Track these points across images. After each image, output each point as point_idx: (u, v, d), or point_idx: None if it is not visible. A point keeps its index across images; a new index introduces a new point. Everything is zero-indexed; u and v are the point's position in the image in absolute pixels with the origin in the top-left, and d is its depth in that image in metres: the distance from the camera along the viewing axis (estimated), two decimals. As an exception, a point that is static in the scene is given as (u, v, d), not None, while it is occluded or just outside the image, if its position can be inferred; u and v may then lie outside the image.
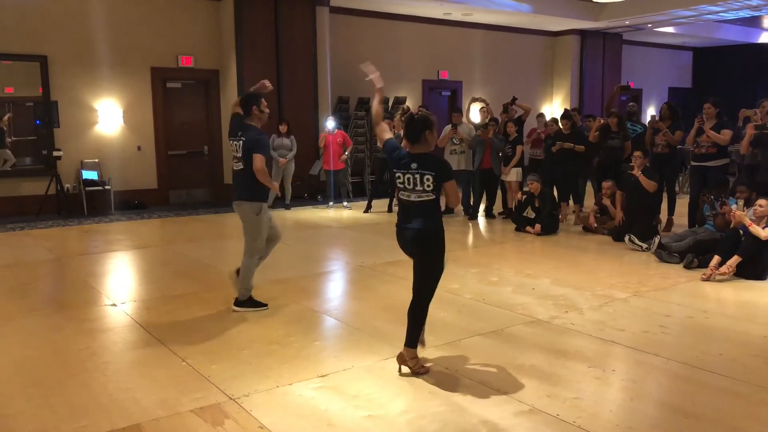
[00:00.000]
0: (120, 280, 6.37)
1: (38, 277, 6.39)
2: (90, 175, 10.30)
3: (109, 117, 10.55)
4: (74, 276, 6.31)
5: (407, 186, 3.66)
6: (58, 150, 9.88)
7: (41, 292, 5.89)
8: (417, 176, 3.61)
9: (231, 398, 3.40)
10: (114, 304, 5.23)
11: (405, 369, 3.72)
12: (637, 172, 7.50)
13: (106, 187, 10.31)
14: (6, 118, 9.88)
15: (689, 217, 7.80)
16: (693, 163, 7.84)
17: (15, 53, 9.73)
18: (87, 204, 10.11)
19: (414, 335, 3.71)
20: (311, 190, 11.83)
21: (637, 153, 7.64)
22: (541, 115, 11.90)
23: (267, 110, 5.06)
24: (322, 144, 10.62)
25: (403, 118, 4.40)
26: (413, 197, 3.66)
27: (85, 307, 5.16)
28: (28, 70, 9.91)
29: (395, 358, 3.75)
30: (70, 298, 5.51)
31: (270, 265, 6.55)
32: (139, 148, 10.92)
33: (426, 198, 3.64)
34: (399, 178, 3.70)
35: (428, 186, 3.61)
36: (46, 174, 9.86)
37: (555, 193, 8.84)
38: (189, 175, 11.54)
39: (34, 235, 8.36)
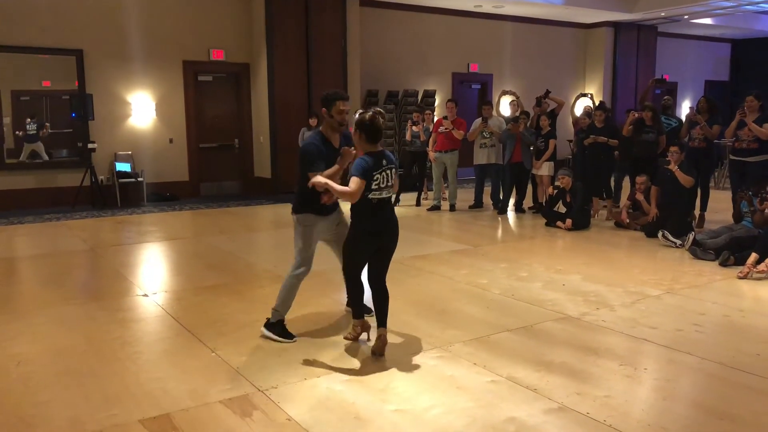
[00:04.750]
0: (152, 271, 6.46)
1: (73, 266, 6.52)
2: (123, 167, 10.47)
3: (142, 110, 10.71)
4: (107, 266, 6.42)
5: (381, 185, 3.79)
6: (93, 142, 10.06)
7: (76, 282, 6.01)
8: (388, 172, 3.81)
9: (259, 390, 3.42)
10: (146, 295, 5.31)
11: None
12: (673, 166, 7.34)
13: (139, 179, 10.48)
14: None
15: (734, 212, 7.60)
16: (732, 158, 7.64)
17: (52, 47, 9.93)
18: (120, 195, 10.29)
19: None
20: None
21: (673, 148, 7.47)
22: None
23: (343, 118, 4.13)
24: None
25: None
26: (384, 194, 3.83)
27: (118, 297, 5.25)
28: (64, 64, 10.11)
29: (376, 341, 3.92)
30: (104, 288, 5.62)
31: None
32: (171, 140, 11.07)
33: (390, 193, 3.90)
34: (377, 179, 3.77)
35: (393, 179, 3.87)
36: (82, 166, 10.06)
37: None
38: (220, 167, 11.66)
39: (70, 226, 8.53)
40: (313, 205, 4.10)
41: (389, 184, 3.84)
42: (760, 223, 6.32)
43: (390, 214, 3.94)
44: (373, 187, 3.75)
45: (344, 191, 3.73)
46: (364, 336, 4.16)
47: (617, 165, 9.16)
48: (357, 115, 3.82)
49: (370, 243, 3.90)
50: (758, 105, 7.30)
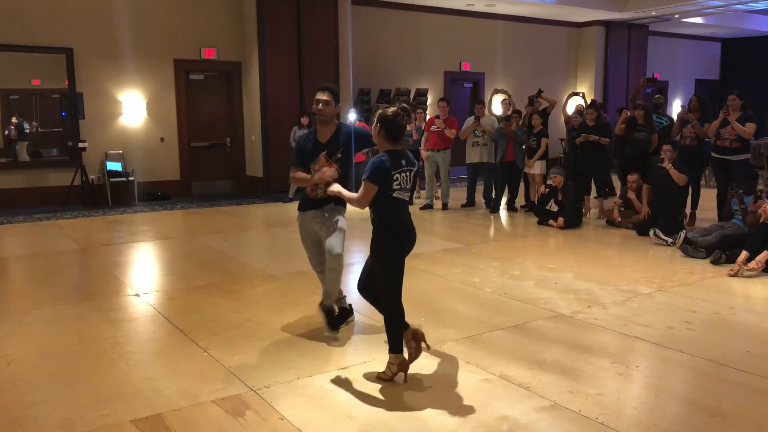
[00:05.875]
0: (143, 271, 6.43)
1: (64, 266, 6.48)
2: (114, 166, 10.42)
3: (132, 109, 10.65)
4: (99, 266, 6.39)
5: (403, 186, 3.46)
6: (83, 141, 10.00)
7: (66, 282, 5.97)
8: (407, 173, 3.49)
9: (252, 389, 3.41)
10: (137, 295, 5.29)
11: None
12: (668, 164, 7.37)
13: (130, 178, 10.43)
14: None
15: (718, 211, 7.66)
16: (714, 155, 7.71)
17: (42, 45, 9.86)
18: (111, 195, 10.23)
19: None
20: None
21: (666, 146, 7.53)
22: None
23: (314, 108, 4.17)
24: (344, 136, 10.59)
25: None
26: (405, 195, 3.51)
27: (109, 297, 5.22)
28: (54, 63, 10.04)
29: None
30: (95, 288, 5.58)
31: (291, 258, 6.58)
32: (162, 139, 11.01)
33: (408, 195, 3.59)
34: (396, 179, 3.42)
35: (411, 182, 3.56)
36: (72, 165, 10.00)
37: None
38: (211, 166, 11.62)
39: (60, 225, 8.48)
40: (301, 202, 4.27)
41: (409, 185, 3.50)
42: (752, 223, 6.33)
43: (410, 216, 3.61)
44: (395, 187, 3.41)
45: (352, 197, 3.49)
46: (400, 377, 3.50)
47: (612, 163, 9.21)
48: (380, 110, 3.52)
49: (401, 248, 3.51)
50: (740, 104, 7.37)
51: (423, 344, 3.59)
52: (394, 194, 3.44)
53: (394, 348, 3.50)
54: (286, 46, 11.15)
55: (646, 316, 4.63)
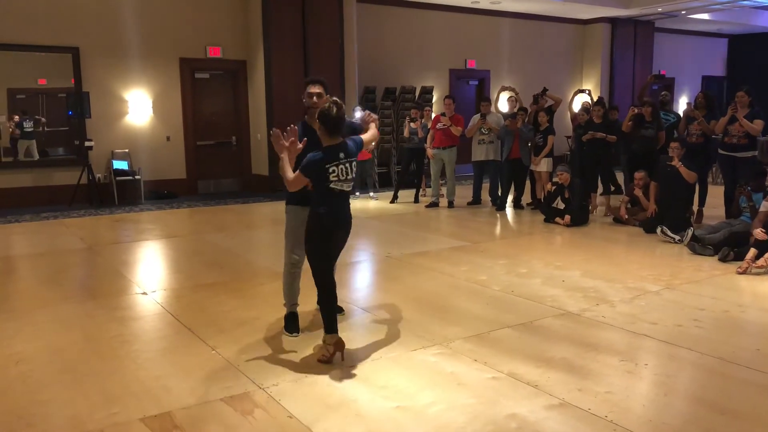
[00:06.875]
0: (150, 269, 6.45)
1: (71, 265, 6.50)
2: (120, 165, 10.44)
3: (138, 107, 10.67)
4: (106, 264, 6.40)
5: (341, 177, 3.73)
6: (90, 140, 10.03)
7: (74, 280, 5.99)
8: (346, 165, 3.74)
9: (260, 387, 3.41)
10: (144, 293, 5.30)
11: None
12: (677, 162, 7.33)
13: (136, 176, 10.45)
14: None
15: (726, 208, 7.63)
16: (721, 152, 7.67)
17: (48, 45, 9.88)
18: (118, 193, 10.25)
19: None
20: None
21: (674, 144, 7.49)
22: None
23: (308, 101, 4.19)
24: (349, 134, 10.58)
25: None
26: (345, 186, 3.79)
27: (117, 296, 5.23)
28: (60, 62, 10.05)
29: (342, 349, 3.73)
30: (102, 287, 5.60)
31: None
32: (168, 138, 11.03)
33: (351, 186, 3.87)
34: (333, 172, 3.70)
35: (354, 172, 3.82)
36: (78, 164, 10.02)
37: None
38: (217, 165, 11.64)
39: (67, 224, 8.51)
40: (294, 195, 4.17)
41: (349, 177, 3.77)
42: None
43: (347, 208, 3.91)
44: (332, 178, 3.70)
45: (285, 176, 3.75)
46: (338, 356, 3.72)
47: (620, 160, 9.18)
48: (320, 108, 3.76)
49: (327, 232, 3.78)
50: (748, 100, 7.34)
51: (339, 354, 3.72)
52: (331, 185, 3.71)
53: (330, 328, 3.74)
54: (292, 44, 11.14)
55: (654, 314, 4.61)
